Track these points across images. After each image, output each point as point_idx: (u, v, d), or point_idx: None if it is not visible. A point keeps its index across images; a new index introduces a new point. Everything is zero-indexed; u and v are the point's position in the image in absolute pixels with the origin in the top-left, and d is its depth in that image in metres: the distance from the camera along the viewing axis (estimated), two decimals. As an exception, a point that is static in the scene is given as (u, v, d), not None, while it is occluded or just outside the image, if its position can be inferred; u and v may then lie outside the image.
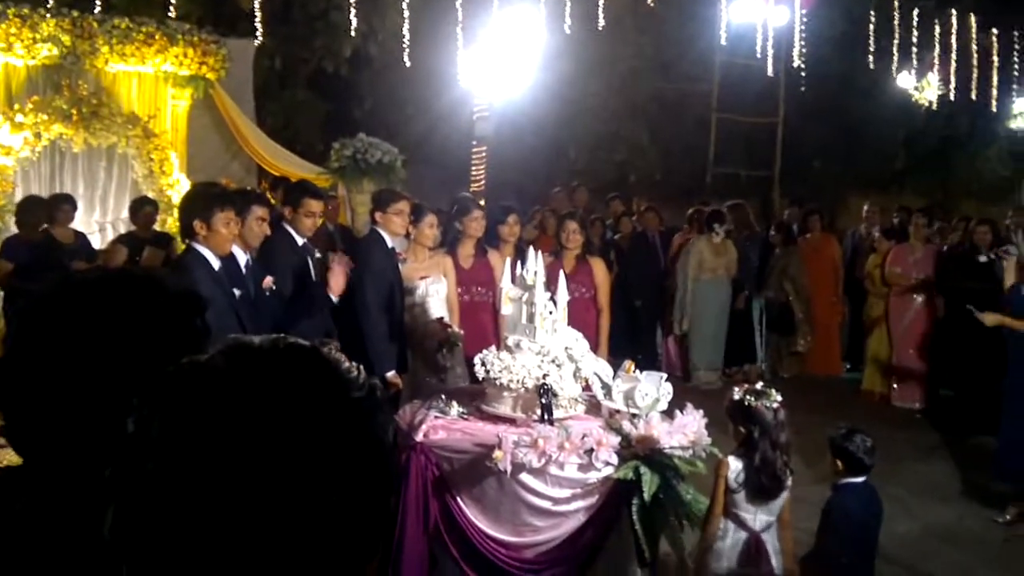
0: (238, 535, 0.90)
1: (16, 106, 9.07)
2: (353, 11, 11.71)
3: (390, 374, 5.45)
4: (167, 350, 1.08)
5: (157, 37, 9.79)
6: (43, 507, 1.18)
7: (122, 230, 9.06)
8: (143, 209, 8.13)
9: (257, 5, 11.09)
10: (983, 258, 8.40)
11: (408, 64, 12.18)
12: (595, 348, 5.50)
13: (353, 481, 0.95)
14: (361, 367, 1.01)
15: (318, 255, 5.80)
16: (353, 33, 12.12)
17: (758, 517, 3.81)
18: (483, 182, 11.67)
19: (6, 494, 1.22)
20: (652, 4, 13.87)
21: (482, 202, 9.15)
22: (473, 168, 11.70)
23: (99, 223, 9.74)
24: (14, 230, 7.97)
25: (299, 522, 0.91)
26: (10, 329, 1.38)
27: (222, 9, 11.98)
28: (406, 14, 11.80)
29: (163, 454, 0.91)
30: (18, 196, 8.78)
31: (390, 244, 5.74)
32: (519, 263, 4.84)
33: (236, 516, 0.89)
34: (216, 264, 4.37)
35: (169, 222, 9.22)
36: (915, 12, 16.09)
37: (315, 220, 5.61)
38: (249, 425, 0.91)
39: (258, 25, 11.15)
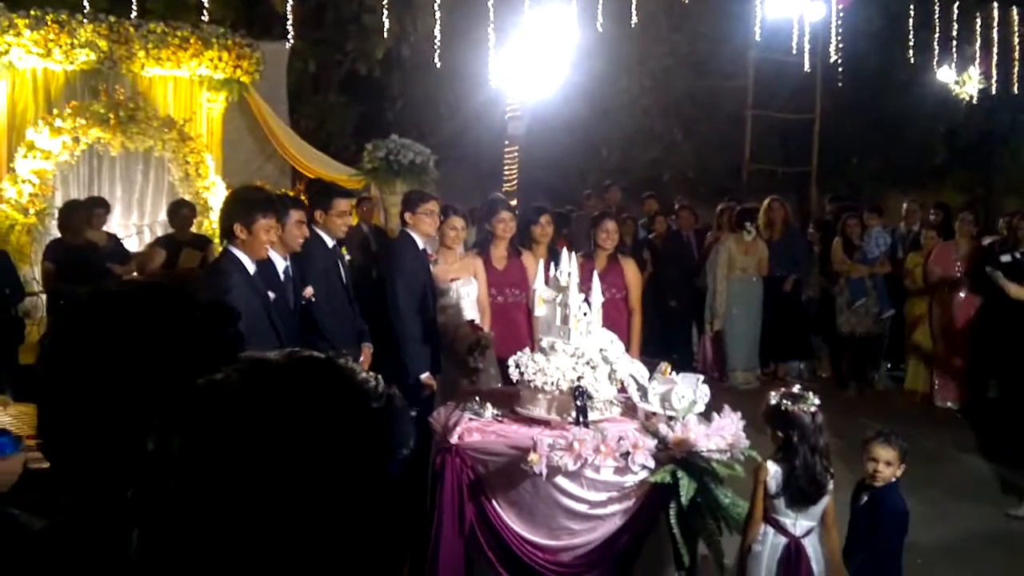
0: (262, 550, 0.90)
1: (55, 111, 9.21)
2: (385, 13, 11.73)
3: (424, 376, 5.43)
4: (198, 363, 1.08)
5: (192, 41, 9.89)
6: (69, 528, 1.17)
7: (159, 232, 9.16)
8: (181, 211, 8.22)
9: (290, 8, 11.15)
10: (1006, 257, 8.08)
11: (440, 65, 12.18)
12: (627, 349, 5.44)
13: (375, 490, 0.95)
14: (379, 376, 1.01)
15: (348, 257, 5.77)
16: (385, 35, 12.15)
17: (798, 522, 3.74)
18: (515, 182, 11.66)
19: (33, 506, 1.22)
20: (686, 1, 13.77)
21: (514, 202, 9.08)
22: (505, 168, 11.69)
23: (137, 226, 9.87)
24: (54, 232, 8.09)
25: (324, 533, 0.92)
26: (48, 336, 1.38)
27: (255, 13, 12.08)
28: (438, 15, 11.80)
29: (184, 473, 0.92)
30: (57, 199, 8.92)
31: (421, 245, 5.71)
32: (552, 264, 4.80)
33: (260, 531, 0.90)
34: (251, 268, 4.38)
35: (206, 224, 9.30)
36: (955, 5, 15.82)
37: (347, 220, 5.52)
38: (267, 440, 0.91)
39: (291, 28, 11.21)
